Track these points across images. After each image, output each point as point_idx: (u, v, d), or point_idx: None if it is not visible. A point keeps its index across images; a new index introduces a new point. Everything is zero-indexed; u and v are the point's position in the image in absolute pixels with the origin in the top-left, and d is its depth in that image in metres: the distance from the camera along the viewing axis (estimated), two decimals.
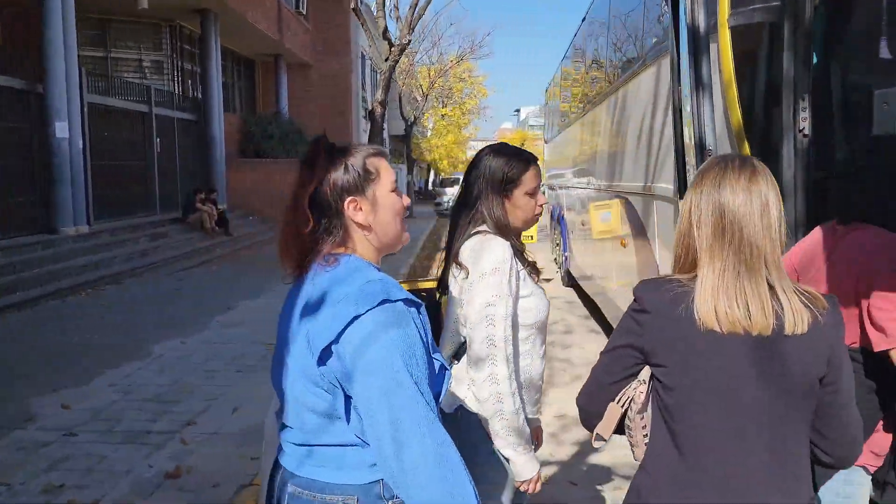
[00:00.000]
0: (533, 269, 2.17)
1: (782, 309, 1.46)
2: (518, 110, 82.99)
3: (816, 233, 2.22)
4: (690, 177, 3.15)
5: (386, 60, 13.82)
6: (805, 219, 2.55)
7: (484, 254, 2.04)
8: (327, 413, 1.47)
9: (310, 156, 1.56)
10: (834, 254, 2.17)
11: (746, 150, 2.83)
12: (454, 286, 2.13)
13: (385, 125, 14.31)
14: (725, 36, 3.01)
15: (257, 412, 5.00)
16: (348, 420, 1.46)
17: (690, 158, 3.12)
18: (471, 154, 47.51)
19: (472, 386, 2.02)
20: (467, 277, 2.04)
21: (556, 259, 12.70)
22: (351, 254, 1.56)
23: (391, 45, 14.19)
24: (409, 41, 13.81)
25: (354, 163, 1.56)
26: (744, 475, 1.49)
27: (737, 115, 2.99)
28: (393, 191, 1.61)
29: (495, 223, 2.12)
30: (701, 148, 2.46)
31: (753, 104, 2.73)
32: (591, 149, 7.24)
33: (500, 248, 2.04)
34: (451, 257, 2.13)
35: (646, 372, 1.60)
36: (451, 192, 31.55)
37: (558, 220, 11.58)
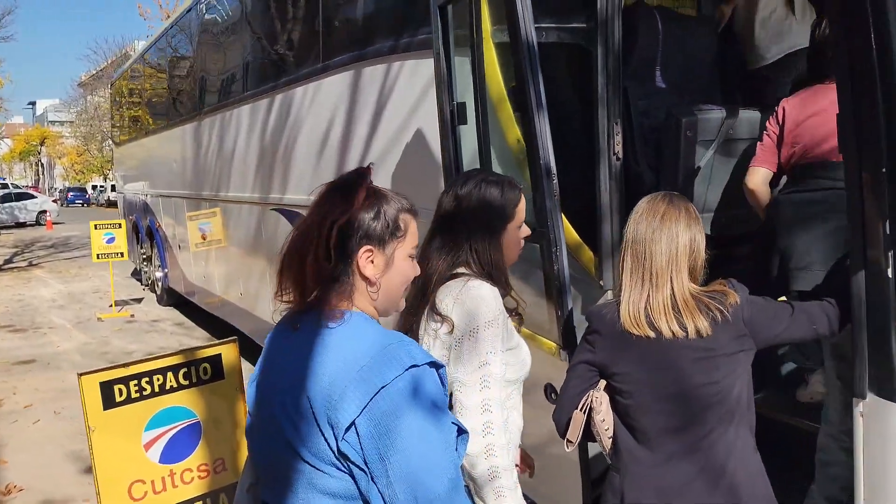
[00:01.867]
0: (516, 315, 1.87)
1: (685, 320, 1.77)
2: (33, 103, 72.03)
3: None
4: None
5: None
6: (620, 240, 2.60)
7: (474, 304, 1.72)
8: (348, 495, 1.32)
9: (350, 185, 1.43)
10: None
11: (527, 171, 2.76)
12: (429, 339, 1.77)
13: None
14: (491, 51, 2.91)
15: None
16: (376, 499, 1.29)
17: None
18: None
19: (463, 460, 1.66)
20: (451, 332, 1.72)
21: (143, 276, 11.36)
22: (357, 310, 1.40)
23: None
24: None
25: (387, 211, 1.42)
26: (676, 454, 1.80)
27: (514, 132, 2.91)
28: (411, 256, 1.48)
29: (488, 268, 1.78)
30: (548, 171, 2.29)
31: (568, 126, 2.66)
32: (226, 155, 6.55)
33: (491, 298, 1.74)
34: (429, 306, 1.77)
35: (602, 382, 1.90)
36: None
37: (149, 232, 10.31)
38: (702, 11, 3.29)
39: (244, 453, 2.45)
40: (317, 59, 4.67)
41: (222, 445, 2.29)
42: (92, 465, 2.07)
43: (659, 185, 2.64)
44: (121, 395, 2.09)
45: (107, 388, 2.07)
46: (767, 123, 2.61)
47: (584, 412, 1.87)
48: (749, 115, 2.60)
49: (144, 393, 2.14)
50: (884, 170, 1.70)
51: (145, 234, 10.59)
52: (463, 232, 1.81)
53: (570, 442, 1.91)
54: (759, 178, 2.58)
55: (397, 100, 3.79)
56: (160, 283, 10.06)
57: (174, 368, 2.20)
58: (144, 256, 11.04)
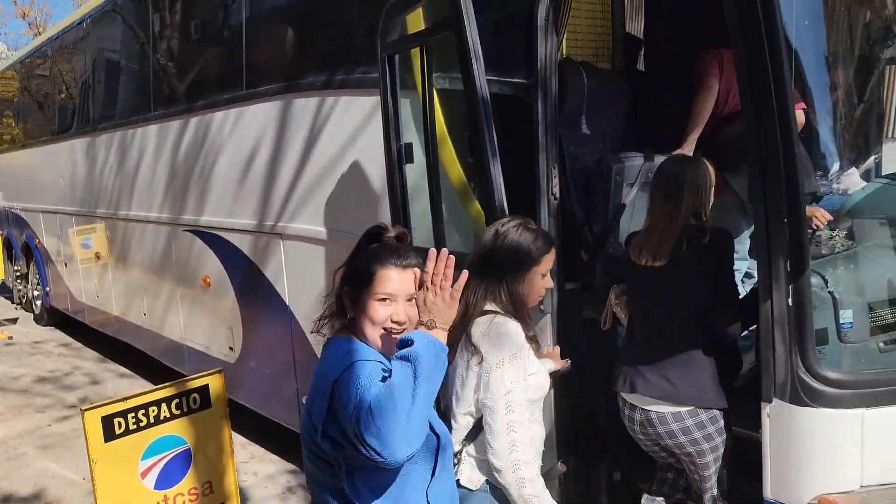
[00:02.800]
0: (534, 343, 2.20)
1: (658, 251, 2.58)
2: None
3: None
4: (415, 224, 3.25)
5: None
6: (558, 267, 2.95)
7: (501, 339, 2.04)
8: (337, 487, 1.68)
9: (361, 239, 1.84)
10: None
11: (475, 205, 3.08)
12: (462, 369, 2.10)
13: None
14: (435, 96, 3.19)
15: None
16: (350, 488, 1.67)
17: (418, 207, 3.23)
18: None
19: (495, 473, 2.02)
20: (481, 363, 2.04)
21: (16, 295, 10.72)
22: (347, 336, 1.77)
23: None
24: None
25: (361, 261, 1.78)
26: (651, 342, 2.62)
27: (457, 170, 3.22)
28: (381, 300, 1.73)
29: (513, 301, 2.12)
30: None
31: (510, 169, 2.98)
32: (128, 174, 6.42)
33: (516, 334, 2.07)
34: (465, 337, 2.10)
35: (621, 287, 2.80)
36: None
37: (25, 249, 9.77)
38: (615, 65, 3.75)
39: (230, 476, 2.61)
40: (240, 86, 4.76)
41: (210, 469, 2.44)
42: (94, 495, 2.18)
43: (589, 221, 3.03)
44: (120, 427, 2.21)
45: (108, 422, 2.17)
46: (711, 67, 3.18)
47: (608, 303, 2.83)
48: (662, 161, 3.05)
49: (141, 424, 2.26)
50: (785, 220, 2.15)
51: (21, 250, 10.01)
52: (497, 263, 2.14)
53: (605, 321, 2.88)
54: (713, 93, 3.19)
55: (332, 131, 3.99)
56: (39, 302, 9.57)
57: (167, 400, 2.33)
58: (18, 273, 10.43)
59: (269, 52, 4.69)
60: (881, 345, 2.35)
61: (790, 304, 2.17)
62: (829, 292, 2.30)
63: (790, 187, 2.12)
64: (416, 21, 3.18)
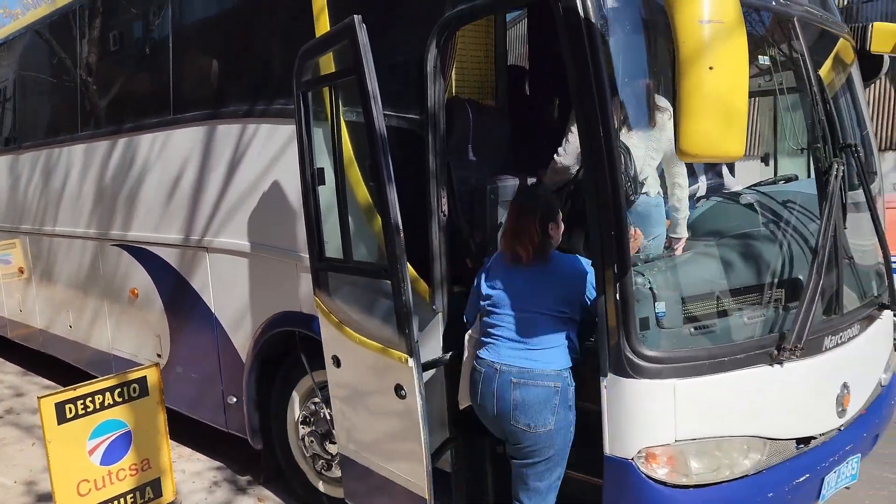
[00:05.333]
0: None
1: None
2: None
3: None
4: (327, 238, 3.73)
5: None
6: (448, 275, 3.50)
7: None
8: (562, 332, 3.04)
9: (532, 201, 3.15)
10: None
11: (378, 221, 3.59)
12: None
13: None
14: (343, 128, 3.69)
15: None
16: (572, 334, 3.05)
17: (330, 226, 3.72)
18: None
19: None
20: None
21: None
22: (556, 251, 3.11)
23: None
24: None
25: (554, 207, 3.11)
26: None
27: (362, 191, 3.73)
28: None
29: None
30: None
31: (406, 191, 3.50)
32: (53, 191, 6.64)
33: None
34: None
35: None
36: None
37: None
38: (498, 101, 4.35)
39: (165, 454, 3.02)
40: (167, 111, 5.15)
41: (147, 449, 2.85)
42: (49, 470, 2.57)
43: (472, 234, 3.59)
44: (70, 412, 2.61)
45: (60, 407, 2.57)
46: None
47: None
48: (533, 182, 3.65)
49: (89, 410, 2.66)
50: (612, 232, 2.75)
51: None
52: None
53: None
54: None
55: (255, 156, 4.44)
56: None
57: (111, 389, 2.75)
58: None
59: (194, 82, 5.10)
60: (691, 330, 2.99)
61: (618, 298, 2.77)
62: (650, 289, 2.92)
63: (616, 208, 2.73)
64: (327, 63, 3.69)
